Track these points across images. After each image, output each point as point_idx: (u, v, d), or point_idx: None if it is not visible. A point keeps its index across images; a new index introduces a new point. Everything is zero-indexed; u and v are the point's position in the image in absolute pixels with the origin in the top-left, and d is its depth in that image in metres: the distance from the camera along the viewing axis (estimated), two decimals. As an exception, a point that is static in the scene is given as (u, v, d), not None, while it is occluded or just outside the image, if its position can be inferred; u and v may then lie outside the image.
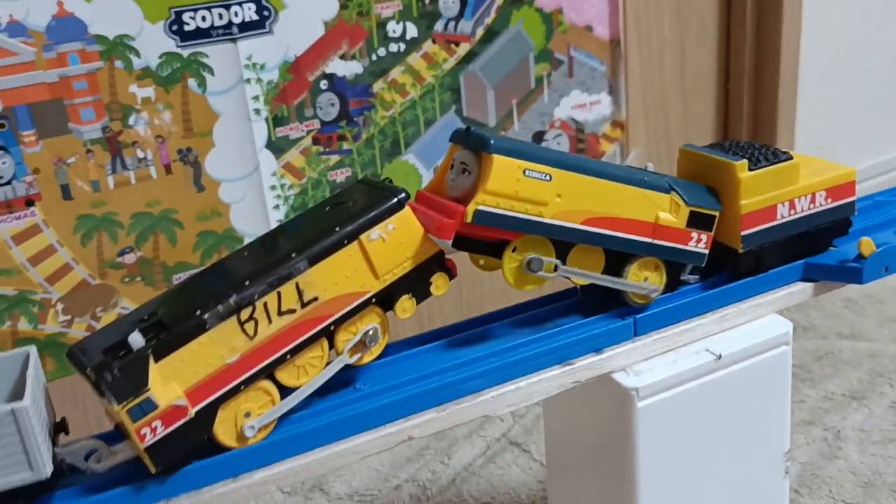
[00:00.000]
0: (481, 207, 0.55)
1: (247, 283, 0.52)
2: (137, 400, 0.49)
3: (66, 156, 0.97)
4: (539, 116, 1.26)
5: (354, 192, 0.59)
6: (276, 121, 1.08)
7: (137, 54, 0.99)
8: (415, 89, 1.16)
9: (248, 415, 0.53)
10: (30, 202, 0.97)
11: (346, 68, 1.10)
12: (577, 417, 0.71)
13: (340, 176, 1.14)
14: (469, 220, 0.55)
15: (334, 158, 1.13)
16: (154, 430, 0.50)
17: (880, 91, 1.61)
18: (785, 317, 0.70)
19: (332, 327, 0.55)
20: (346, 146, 1.13)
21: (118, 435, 0.54)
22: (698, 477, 0.67)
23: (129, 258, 1.04)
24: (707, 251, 0.64)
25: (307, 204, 1.12)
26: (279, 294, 0.53)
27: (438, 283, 0.58)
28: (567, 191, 0.58)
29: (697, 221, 0.63)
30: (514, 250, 0.58)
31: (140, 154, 1.01)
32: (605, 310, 0.64)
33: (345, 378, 0.60)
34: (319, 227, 0.55)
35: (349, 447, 0.55)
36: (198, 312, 0.51)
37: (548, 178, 0.57)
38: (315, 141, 1.11)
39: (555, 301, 0.68)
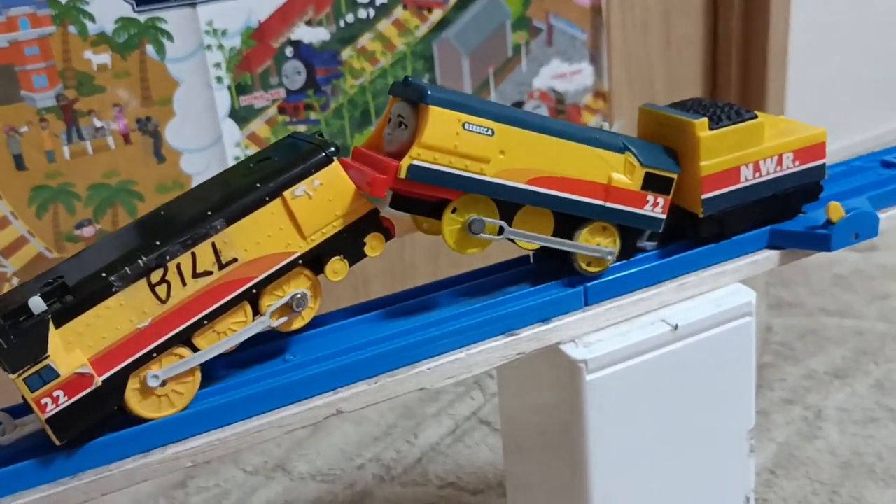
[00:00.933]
0: (416, 162, 0.52)
1: (157, 243, 0.49)
2: (35, 368, 0.46)
3: (18, 124, 0.94)
4: (517, 86, 1.23)
5: (281, 147, 0.55)
6: (240, 89, 1.04)
7: (92, 19, 0.95)
8: (385, 57, 1.12)
9: (164, 384, 0.50)
10: (-20, 172, 0.94)
11: (313, 35, 1.07)
12: (529, 393, 0.67)
13: (308, 147, 1.10)
14: (403, 175, 0.51)
15: (301, 128, 1.09)
16: (56, 399, 0.47)
17: (876, 60, 1.56)
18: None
19: (254, 290, 0.52)
20: (313, 116, 1.09)
21: (28, 408, 0.51)
22: (656, 455, 0.63)
23: (88, 231, 1.01)
24: (664, 216, 0.61)
25: (273, 176, 1.09)
26: (194, 255, 0.49)
27: (373, 243, 0.55)
28: (511, 147, 0.54)
29: (654, 184, 0.60)
30: (454, 211, 0.54)
31: (97, 123, 0.98)
32: (555, 278, 0.61)
33: (275, 349, 0.57)
34: (240, 183, 0.52)
35: (272, 421, 0.52)
36: (104, 275, 0.48)
37: (490, 132, 0.54)
38: (281, 110, 1.08)
39: (506, 269, 0.64)
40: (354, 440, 1.02)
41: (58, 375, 0.46)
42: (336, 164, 0.53)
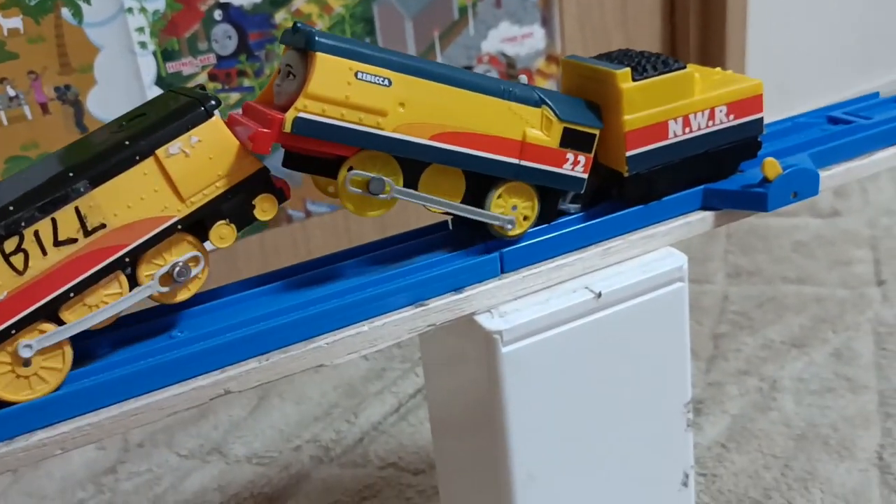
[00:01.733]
0: (303, 115, 0.47)
1: (11, 208, 0.44)
2: None
3: (-77, 93, 0.89)
4: (465, 50, 1.18)
5: (158, 102, 0.50)
6: (166, 55, 0.99)
7: (1, -20, 0.89)
8: (322, 20, 1.07)
9: (28, 363, 0.45)
10: None
11: (243, -4, 1.01)
12: (448, 368, 0.63)
13: (242, 115, 1.05)
14: (288, 129, 0.47)
15: (234, 96, 1.04)
16: None
17: (840, 22, 1.52)
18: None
19: (128, 259, 0.47)
20: (247, 83, 1.04)
21: None
22: (583, 431, 0.59)
23: (7, 206, 0.96)
24: (585, 175, 0.56)
25: (206, 146, 1.04)
26: (54, 221, 0.45)
27: (264, 205, 0.50)
28: (412, 99, 0.50)
29: (573, 140, 0.55)
30: (350, 169, 0.50)
31: (11, 92, 0.92)
32: (472, 244, 0.57)
33: (164, 325, 0.52)
34: (109, 142, 0.47)
35: (150, 403, 0.47)
36: None
37: (386, 82, 0.49)
38: (212, 77, 1.02)
39: (423, 235, 0.60)
40: (294, 420, 0.98)
41: None
42: (216, 119, 0.48)
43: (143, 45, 0.97)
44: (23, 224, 0.44)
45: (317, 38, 0.47)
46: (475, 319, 0.55)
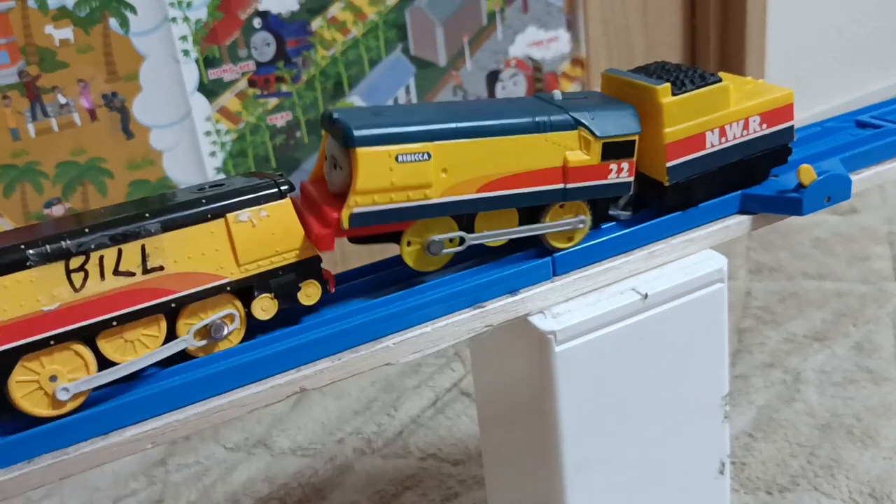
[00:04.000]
0: (356, 210, 0.50)
1: (87, 230, 0.47)
2: None
3: (-20, 103, 0.92)
4: (493, 55, 1.21)
5: (240, 178, 0.54)
6: (208, 62, 1.02)
7: (52, -7, 0.93)
8: (357, 27, 1.10)
9: (54, 378, 0.47)
10: (-56, 153, 0.93)
11: (281, 5, 1.05)
12: (499, 366, 0.67)
13: (280, 120, 1.09)
14: (346, 226, 0.50)
15: (273, 101, 1.08)
16: None
17: (855, 22, 1.55)
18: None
19: (174, 305, 0.49)
20: (285, 88, 1.08)
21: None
22: (628, 424, 0.63)
23: (57, 210, 0.99)
24: (631, 178, 0.59)
25: (246, 150, 1.08)
26: (120, 251, 0.47)
27: (309, 290, 0.53)
28: (452, 163, 0.52)
29: (614, 151, 0.58)
30: (409, 239, 0.53)
31: (62, 100, 0.96)
32: (523, 249, 0.60)
33: (239, 327, 0.56)
34: (189, 199, 0.50)
35: (233, 400, 0.51)
36: (22, 247, 0.46)
37: (426, 157, 0.51)
38: (251, 83, 1.06)
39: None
40: (335, 414, 1.02)
41: None
42: (287, 201, 0.51)
43: (185, 52, 1.01)
44: (92, 247, 0.47)
45: (355, 135, 0.49)
46: (529, 320, 0.58)
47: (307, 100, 1.09)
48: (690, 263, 0.63)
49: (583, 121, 0.56)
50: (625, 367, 0.61)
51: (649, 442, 0.65)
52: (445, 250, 0.54)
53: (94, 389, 0.49)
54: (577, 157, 0.56)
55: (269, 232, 0.51)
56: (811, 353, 1.03)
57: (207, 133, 1.04)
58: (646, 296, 0.60)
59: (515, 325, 0.59)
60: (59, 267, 0.46)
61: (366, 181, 0.50)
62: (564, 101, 0.58)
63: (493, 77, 1.21)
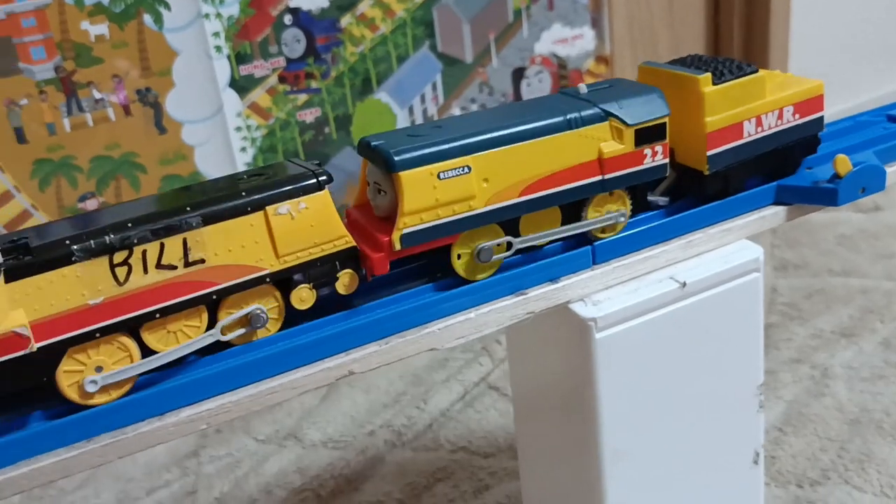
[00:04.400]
0: (406, 231, 0.51)
1: (130, 224, 0.48)
2: None
3: (17, 97, 0.94)
4: (519, 52, 1.22)
5: (278, 167, 0.55)
6: (239, 58, 1.04)
7: (89, -11, 0.94)
8: (385, 24, 1.11)
9: (99, 368, 0.48)
10: (-18, 147, 0.94)
11: (311, 2, 1.06)
12: (538, 354, 0.67)
13: (310, 116, 1.10)
14: (398, 248, 0.52)
15: (302, 97, 1.09)
16: None
17: (880, 19, 1.55)
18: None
19: (215, 297, 0.50)
20: (314, 84, 1.09)
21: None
22: (666, 412, 0.64)
23: (91, 203, 1.01)
24: (666, 160, 0.59)
25: (275, 146, 1.09)
26: (162, 245, 0.48)
27: (346, 280, 0.54)
28: (493, 172, 0.53)
29: (647, 136, 0.58)
30: (458, 252, 0.55)
31: (97, 95, 0.97)
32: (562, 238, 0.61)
33: (284, 312, 0.57)
34: (228, 190, 0.51)
35: (284, 383, 0.52)
36: (67, 242, 0.46)
37: (466, 170, 0.52)
38: (281, 79, 1.07)
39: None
40: (364, 408, 1.03)
41: None
42: (325, 192, 0.52)
43: (218, 48, 1.02)
44: (135, 241, 0.48)
45: (396, 160, 0.51)
46: (570, 308, 0.59)
47: (336, 96, 1.11)
48: (727, 253, 0.63)
49: (612, 111, 0.57)
50: (663, 355, 0.62)
51: (685, 431, 0.66)
52: (495, 256, 0.55)
53: (141, 375, 0.50)
54: (612, 147, 0.57)
55: (308, 224, 0.52)
56: (839, 348, 1.04)
57: (238, 128, 1.05)
58: (684, 284, 0.60)
59: (555, 312, 0.60)
60: (103, 262, 0.47)
61: (412, 202, 0.51)
62: (591, 93, 0.59)
63: (518, 74, 1.22)
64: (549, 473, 0.72)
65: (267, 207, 0.50)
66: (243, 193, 0.50)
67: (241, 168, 1.07)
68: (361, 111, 1.13)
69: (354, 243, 0.53)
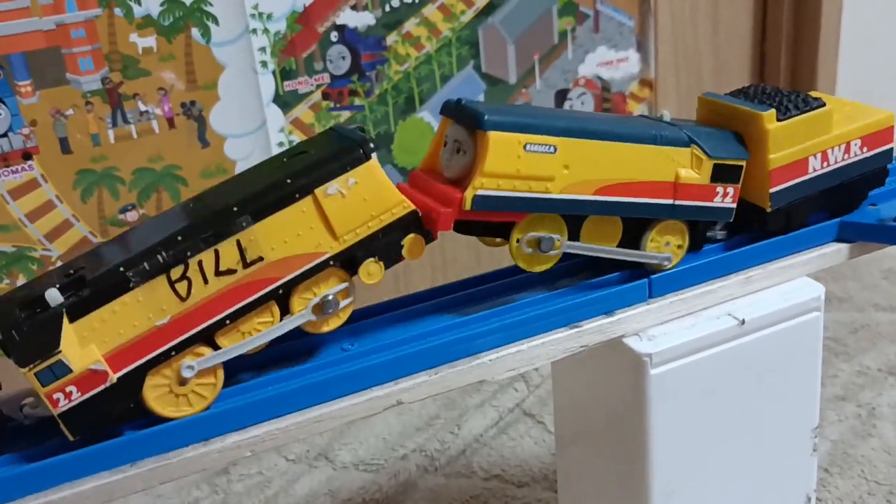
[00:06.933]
0: (481, 192, 0.50)
1: (179, 238, 0.47)
2: (47, 362, 0.44)
3: (64, 107, 0.94)
4: (562, 74, 1.20)
5: (319, 140, 0.53)
6: (284, 74, 1.03)
7: (138, 2, 0.94)
8: (430, 43, 1.10)
9: (183, 383, 0.48)
10: (27, 155, 0.94)
11: (358, 19, 1.05)
12: (586, 385, 0.66)
13: (352, 133, 1.09)
14: (468, 207, 0.50)
15: (345, 114, 1.08)
16: (69, 395, 0.45)
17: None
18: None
19: (281, 291, 0.49)
20: (357, 102, 1.08)
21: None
22: (717, 450, 0.62)
23: (132, 215, 1.01)
24: (734, 205, 0.59)
25: (317, 162, 1.08)
26: (217, 252, 0.47)
27: (412, 246, 0.52)
28: (575, 161, 0.52)
29: (723, 174, 0.57)
30: (518, 236, 0.53)
31: (142, 107, 0.97)
32: (618, 269, 0.59)
33: (333, 338, 0.55)
34: (271, 178, 0.49)
35: (332, 411, 0.51)
36: (121, 269, 0.45)
37: (552, 150, 0.51)
38: (325, 96, 1.06)
39: (568, 259, 0.63)
40: (397, 430, 1.01)
41: (70, 371, 0.44)
42: (373, 161, 0.50)
43: (264, 64, 1.02)
44: (188, 254, 0.47)
45: (487, 118, 0.50)
46: (625, 342, 0.57)
47: (378, 114, 1.10)
48: (787, 290, 0.61)
49: (696, 139, 0.56)
50: (718, 393, 0.60)
51: (737, 471, 0.63)
52: (554, 251, 0.54)
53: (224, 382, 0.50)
54: (689, 174, 0.56)
55: (361, 198, 0.49)
56: (886, 387, 1.01)
57: (280, 144, 1.05)
58: (743, 321, 0.58)
59: (609, 346, 0.58)
60: (161, 281, 0.46)
61: (493, 164, 0.50)
62: (674, 121, 0.58)
63: (561, 95, 1.21)
64: (593, 509, 0.70)
65: (315, 190, 0.48)
66: (288, 181, 0.48)
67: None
68: (403, 130, 1.12)
69: (413, 207, 0.51)
